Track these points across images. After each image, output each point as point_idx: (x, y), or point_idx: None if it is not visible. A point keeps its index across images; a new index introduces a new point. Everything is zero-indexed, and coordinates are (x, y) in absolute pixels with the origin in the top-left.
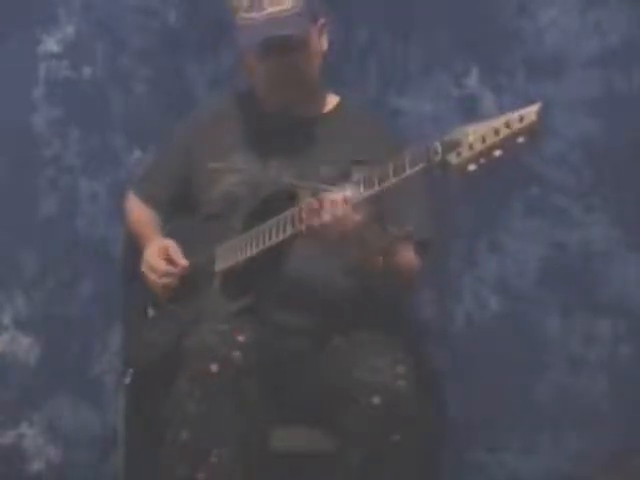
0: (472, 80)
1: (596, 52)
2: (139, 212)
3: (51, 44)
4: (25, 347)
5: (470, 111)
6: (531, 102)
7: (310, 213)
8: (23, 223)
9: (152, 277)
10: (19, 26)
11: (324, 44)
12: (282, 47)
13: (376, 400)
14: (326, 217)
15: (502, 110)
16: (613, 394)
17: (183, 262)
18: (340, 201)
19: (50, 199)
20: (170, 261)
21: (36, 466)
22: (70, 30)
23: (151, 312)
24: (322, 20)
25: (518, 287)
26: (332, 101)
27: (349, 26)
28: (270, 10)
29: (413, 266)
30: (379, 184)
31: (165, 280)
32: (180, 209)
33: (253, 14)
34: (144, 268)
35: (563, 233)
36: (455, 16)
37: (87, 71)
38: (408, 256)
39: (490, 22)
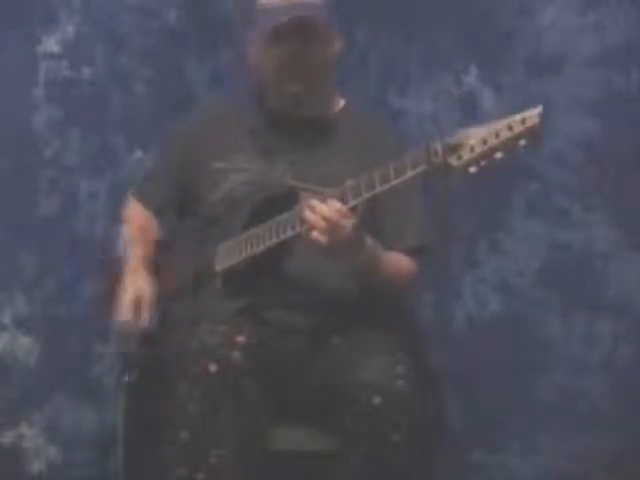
0: (472, 80)
1: (596, 52)
2: (135, 223)
3: (51, 44)
4: (25, 347)
5: (470, 111)
6: (531, 102)
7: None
8: (23, 223)
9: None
10: (19, 26)
11: (337, 48)
12: (299, 31)
13: (376, 400)
14: (315, 233)
15: (502, 110)
16: (613, 394)
17: (143, 324)
18: (330, 212)
19: (50, 199)
20: (137, 310)
21: (36, 466)
22: (70, 30)
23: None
24: (336, 27)
25: (518, 287)
26: (338, 103)
27: (349, 26)
28: None
29: (407, 272)
30: (380, 185)
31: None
32: (182, 209)
33: (272, 0)
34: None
35: (563, 233)
36: (455, 16)
37: (87, 71)
38: (401, 264)
39: (490, 22)
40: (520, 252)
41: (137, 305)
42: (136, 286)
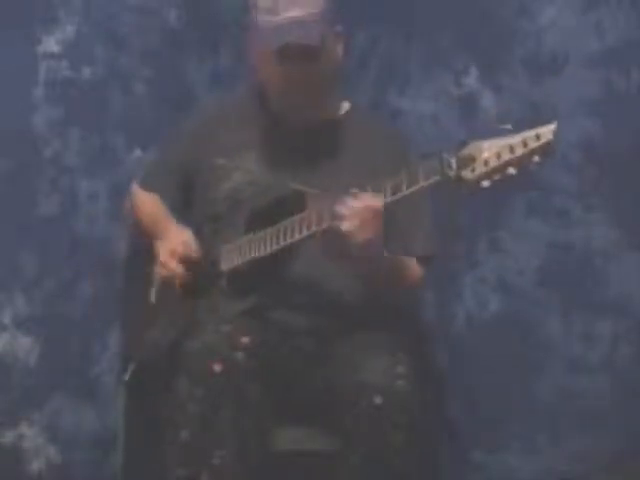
0: (472, 80)
1: (596, 52)
2: (150, 203)
3: (51, 44)
4: (25, 347)
5: (470, 112)
6: (531, 102)
7: (336, 217)
8: (23, 223)
9: (171, 268)
10: (19, 26)
11: (340, 52)
12: (302, 53)
13: (377, 400)
14: (353, 222)
15: (502, 110)
16: (613, 394)
17: (196, 257)
18: (365, 207)
19: (50, 199)
20: (188, 259)
21: (36, 466)
22: (70, 30)
23: (153, 297)
24: (338, 28)
25: (518, 287)
26: (343, 107)
27: (349, 26)
28: (292, 14)
29: (416, 278)
30: (392, 195)
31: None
32: (184, 206)
33: (274, 17)
34: (163, 257)
35: (563, 233)
36: (455, 16)
37: (87, 71)
38: (410, 269)
39: (490, 22)
40: (520, 252)
41: (186, 249)
42: (177, 232)
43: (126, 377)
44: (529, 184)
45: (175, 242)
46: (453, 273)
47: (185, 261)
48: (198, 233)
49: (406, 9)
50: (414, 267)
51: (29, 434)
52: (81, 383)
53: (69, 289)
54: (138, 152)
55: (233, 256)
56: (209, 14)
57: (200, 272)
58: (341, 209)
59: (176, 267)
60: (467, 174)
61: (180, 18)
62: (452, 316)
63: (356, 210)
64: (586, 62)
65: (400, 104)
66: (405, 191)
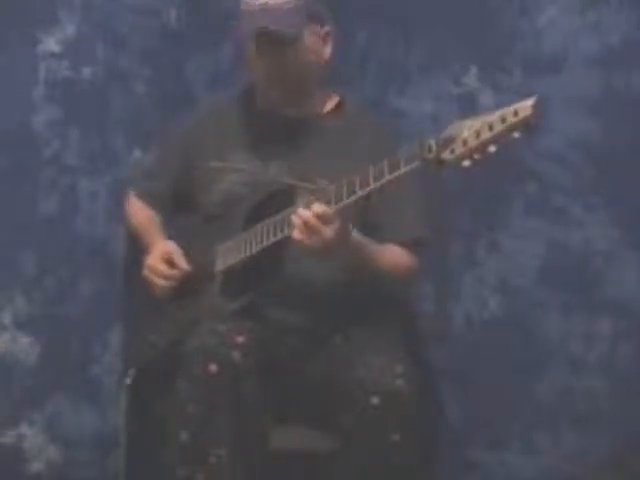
0: (472, 80)
1: (596, 52)
2: (141, 214)
3: (51, 44)
4: (25, 347)
5: (470, 111)
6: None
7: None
8: (23, 223)
9: (154, 280)
10: (19, 26)
11: (327, 52)
12: (272, 41)
13: (375, 400)
14: (296, 234)
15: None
16: (613, 394)
17: (185, 266)
18: (310, 217)
19: (50, 199)
20: (172, 265)
21: (36, 466)
22: (70, 30)
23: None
24: (327, 28)
25: (518, 287)
26: (332, 101)
27: (349, 26)
28: (265, 0)
29: (406, 266)
30: (374, 182)
31: (166, 284)
32: (180, 208)
33: (251, 2)
34: (146, 271)
35: (563, 233)
36: (455, 16)
37: (87, 71)
38: (398, 257)
39: (490, 22)
40: (519, 252)
41: (168, 257)
42: (161, 247)
43: (128, 381)
44: (528, 183)
45: (163, 248)
46: (452, 273)
47: (171, 263)
48: (195, 234)
49: (406, 9)
50: (402, 255)
51: (29, 434)
52: (81, 383)
53: (69, 289)
54: (138, 152)
55: (227, 256)
56: (209, 14)
57: (195, 273)
58: (292, 218)
59: (163, 267)
60: (447, 155)
61: (180, 18)
62: (451, 316)
63: (304, 219)
64: (586, 62)
65: (400, 104)
66: (387, 177)
